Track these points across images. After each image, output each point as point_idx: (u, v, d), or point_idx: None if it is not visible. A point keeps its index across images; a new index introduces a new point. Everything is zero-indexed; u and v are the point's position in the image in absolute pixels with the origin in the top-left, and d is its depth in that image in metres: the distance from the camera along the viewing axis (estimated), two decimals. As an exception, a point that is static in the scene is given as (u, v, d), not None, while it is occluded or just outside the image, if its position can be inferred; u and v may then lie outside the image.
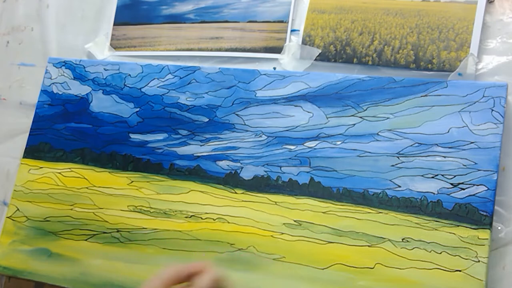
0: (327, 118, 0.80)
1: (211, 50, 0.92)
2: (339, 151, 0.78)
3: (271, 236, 0.78)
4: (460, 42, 0.77)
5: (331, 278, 0.73)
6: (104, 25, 1.01)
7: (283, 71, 0.85)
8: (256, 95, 0.84)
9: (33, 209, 0.91)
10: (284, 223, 0.78)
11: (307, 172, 0.78)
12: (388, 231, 0.73)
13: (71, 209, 0.89)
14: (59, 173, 0.92)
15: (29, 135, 0.96)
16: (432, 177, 0.73)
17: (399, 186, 0.74)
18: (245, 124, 0.84)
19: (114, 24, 1.00)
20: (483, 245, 0.68)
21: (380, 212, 0.74)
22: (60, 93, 0.97)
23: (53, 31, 1.04)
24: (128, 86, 0.92)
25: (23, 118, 1.01)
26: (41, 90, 0.98)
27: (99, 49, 1.00)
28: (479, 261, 0.68)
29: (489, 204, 0.69)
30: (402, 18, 0.81)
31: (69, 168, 0.92)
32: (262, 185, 0.80)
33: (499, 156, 0.70)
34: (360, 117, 0.78)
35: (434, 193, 0.72)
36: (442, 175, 0.72)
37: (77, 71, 0.97)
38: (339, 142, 0.78)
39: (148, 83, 0.91)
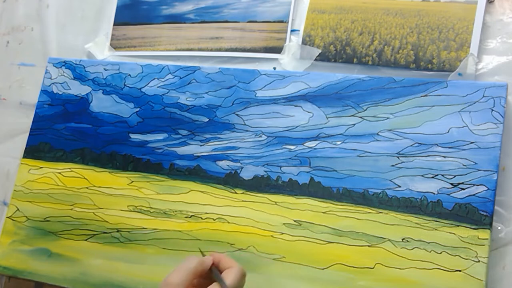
0: (327, 118, 0.80)
1: (211, 50, 0.92)
2: (339, 151, 0.78)
3: (271, 236, 0.78)
4: (460, 42, 0.77)
5: (331, 278, 0.73)
6: (104, 25, 1.01)
7: (283, 71, 0.85)
8: (256, 95, 0.84)
9: (33, 209, 0.91)
10: (284, 223, 0.78)
11: (307, 172, 0.78)
12: (388, 231, 0.73)
13: (71, 209, 0.89)
14: (59, 173, 0.92)
15: (29, 135, 0.96)
16: (432, 177, 0.73)
17: (399, 186, 0.74)
18: (245, 124, 0.84)
19: (114, 24, 1.00)
20: (483, 245, 0.68)
21: (380, 212, 0.74)
22: (60, 93, 0.97)
23: (53, 31, 1.04)
24: (128, 86, 0.92)
25: (23, 118, 1.01)
26: (41, 90, 0.98)
27: (99, 49, 1.00)
28: (479, 261, 0.68)
29: (489, 204, 0.69)
30: (402, 18, 0.81)
31: (69, 168, 0.92)
32: (262, 185, 0.80)
33: (499, 156, 0.70)
34: (360, 117, 0.78)
35: (434, 193, 0.72)
36: (442, 175, 0.72)
37: (77, 71, 0.97)
38: (339, 142, 0.78)
39: (148, 83, 0.91)
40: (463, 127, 0.73)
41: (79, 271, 0.85)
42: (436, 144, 0.73)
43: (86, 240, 0.87)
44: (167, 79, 0.90)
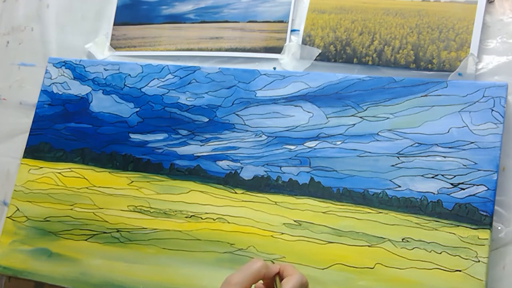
0: (327, 118, 0.80)
1: (211, 50, 0.92)
2: (339, 151, 0.78)
3: (271, 236, 0.78)
4: (460, 42, 0.77)
5: (331, 278, 0.73)
6: (104, 25, 1.01)
7: (283, 71, 0.85)
8: (256, 95, 0.84)
9: (33, 209, 0.91)
10: (284, 223, 0.78)
11: (307, 172, 0.78)
12: (388, 231, 0.73)
13: (71, 209, 0.89)
14: (59, 173, 0.92)
15: (29, 135, 0.96)
16: (432, 177, 0.73)
17: (399, 186, 0.74)
18: (245, 124, 0.84)
19: (114, 24, 1.00)
20: (483, 245, 0.68)
21: (380, 212, 0.74)
22: (60, 93, 0.97)
23: (53, 31, 1.04)
24: (128, 86, 0.92)
25: (23, 118, 1.01)
26: (41, 90, 0.98)
27: (99, 49, 1.00)
28: (479, 261, 0.68)
29: (489, 204, 0.69)
30: (402, 18, 0.81)
31: (69, 168, 0.92)
32: (262, 185, 0.80)
33: (499, 156, 0.70)
34: (360, 117, 0.78)
35: (434, 193, 0.72)
36: (442, 175, 0.72)
37: (77, 71, 0.97)
38: (339, 142, 0.78)
39: (148, 83, 0.91)
40: (463, 127, 0.73)
41: (79, 271, 0.85)
42: (436, 144, 0.73)
43: (86, 240, 0.87)
44: (167, 79, 0.90)
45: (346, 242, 0.74)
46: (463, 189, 0.71)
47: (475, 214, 0.69)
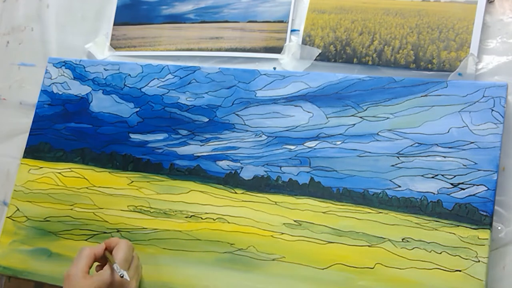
0: (327, 118, 0.80)
1: (211, 50, 0.92)
2: (339, 151, 0.78)
3: (271, 236, 0.78)
4: (460, 42, 0.77)
5: (331, 278, 0.73)
6: (104, 25, 1.01)
7: (283, 71, 0.85)
8: (256, 95, 0.84)
9: (33, 209, 0.91)
10: (284, 223, 0.78)
11: (307, 172, 0.78)
12: (388, 231, 0.73)
13: (71, 209, 0.89)
14: (59, 173, 0.92)
15: (29, 135, 0.96)
16: (432, 177, 0.73)
17: (399, 186, 0.74)
18: (245, 124, 0.84)
19: (114, 24, 1.00)
20: (483, 245, 0.68)
21: (380, 212, 0.74)
22: (60, 93, 0.97)
23: (53, 31, 1.04)
24: (128, 86, 0.92)
25: (23, 118, 1.01)
26: (41, 90, 0.98)
27: (99, 49, 1.00)
28: (479, 261, 0.68)
29: (489, 204, 0.69)
30: (402, 18, 0.81)
31: (69, 168, 0.92)
32: (262, 185, 0.80)
33: (499, 156, 0.70)
34: (360, 117, 0.78)
35: (434, 193, 0.72)
36: (442, 175, 0.72)
37: (77, 71, 0.97)
38: (339, 142, 0.78)
39: (148, 83, 0.91)
40: (463, 127, 0.73)
41: (79, 271, 0.85)
42: (436, 144, 0.73)
43: (86, 240, 0.87)
44: (167, 79, 0.90)
45: (346, 242, 0.74)
46: (463, 189, 0.71)
47: (475, 214, 0.69)
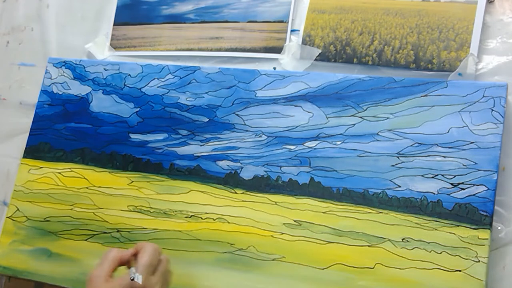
0: (327, 118, 0.80)
1: (211, 50, 0.92)
2: (339, 151, 0.78)
3: (271, 236, 0.78)
4: (460, 42, 0.77)
5: (331, 278, 0.73)
6: (104, 25, 1.02)
7: (283, 71, 0.85)
8: (256, 95, 0.84)
9: (33, 209, 0.91)
10: (284, 223, 0.78)
11: (307, 172, 0.78)
12: (388, 231, 0.73)
13: (71, 209, 0.89)
14: (59, 173, 0.92)
15: (29, 135, 0.96)
16: (432, 177, 0.73)
17: (399, 186, 0.74)
18: (245, 124, 0.84)
19: (114, 24, 1.00)
20: (483, 245, 0.68)
21: (380, 212, 0.74)
22: (60, 93, 0.97)
23: (53, 31, 1.04)
24: (128, 86, 0.92)
25: (23, 118, 1.01)
26: (41, 90, 0.98)
27: (99, 49, 1.00)
28: (479, 261, 0.68)
29: (489, 204, 0.69)
30: (402, 18, 0.81)
31: (69, 168, 0.92)
32: (262, 185, 0.80)
33: (499, 156, 0.70)
34: (360, 117, 0.78)
35: (434, 193, 0.72)
36: (442, 175, 0.72)
37: (77, 71, 0.97)
38: (339, 142, 0.78)
39: (148, 83, 0.91)
40: (463, 127, 0.73)
41: (79, 271, 0.85)
42: (436, 144, 0.73)
43: (86, 240, 0.87)
44: (167, 79, 0.90)
45: (346, 242, 0.74)
46: (463, 189, 0.71)
47: (475, 214, 0.69)
